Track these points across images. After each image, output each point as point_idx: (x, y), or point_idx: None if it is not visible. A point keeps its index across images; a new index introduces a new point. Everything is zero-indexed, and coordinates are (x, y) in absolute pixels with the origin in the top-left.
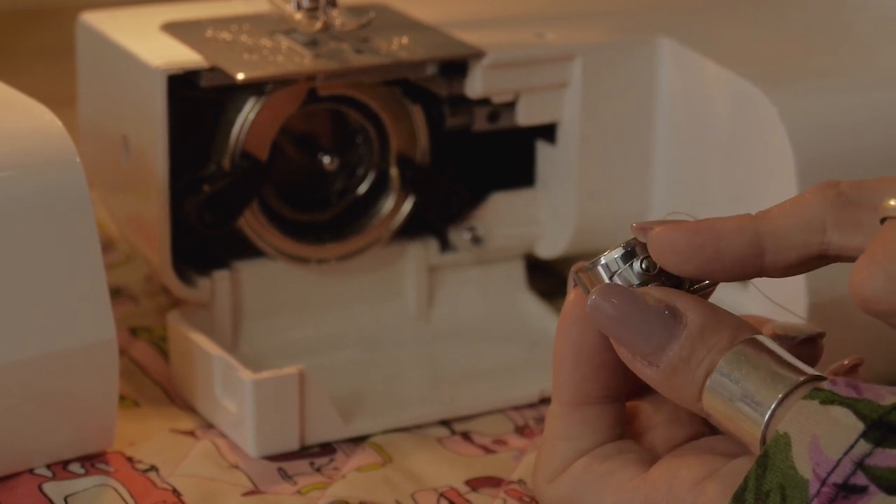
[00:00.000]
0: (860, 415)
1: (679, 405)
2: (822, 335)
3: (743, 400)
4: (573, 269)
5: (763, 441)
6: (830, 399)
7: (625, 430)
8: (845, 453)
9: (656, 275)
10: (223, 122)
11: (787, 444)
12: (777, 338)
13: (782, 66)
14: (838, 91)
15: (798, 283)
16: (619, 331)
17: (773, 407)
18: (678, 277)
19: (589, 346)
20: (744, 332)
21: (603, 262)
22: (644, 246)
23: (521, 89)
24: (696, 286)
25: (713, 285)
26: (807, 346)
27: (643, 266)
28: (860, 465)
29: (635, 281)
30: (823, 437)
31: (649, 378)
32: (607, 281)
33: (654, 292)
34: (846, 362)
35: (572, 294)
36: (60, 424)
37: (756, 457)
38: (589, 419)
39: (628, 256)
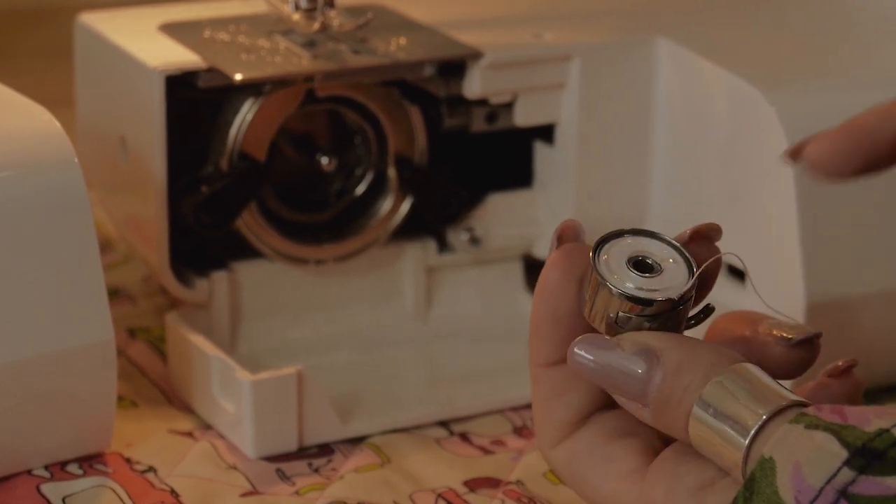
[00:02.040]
0: (844, 442)
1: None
2: (818, 336)
3: (726, 424)
4: (558, 230)
5: (745, 462)
6: (815, 424)
7: (625, 425)
8: (828, 482)
9: (657, 317)
10: (221, 123)
11: (773, 469)
12: (773, 338)
13: (780, 67)
14: (837, 91)
15: (796, 283)
16: (603, 379)
17: (754, 431)
18: (677, 319)
19: (565, 308)
20: (721, 363)
21: (621, 292)
22: (664, 303)
23: (519, 90)
24: (692, 317)
25: (710, 313)
26: (803, 347)
27: (662, 317)
28: (843, 493)
29: (645, 324)
30: (806, 463)
31: (645, 418)
32: (616, 305)
33: (630, 337)
34: (840, 364)
35: (551, 259)
36: (58, 425)
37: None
38: (569, 372)
39: (644, 305)
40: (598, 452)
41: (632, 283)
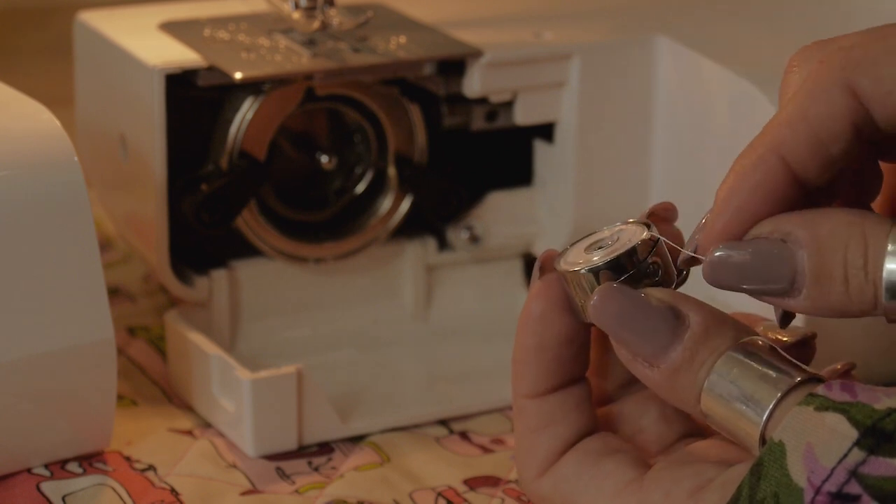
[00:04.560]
0: (854, 421)
1: (671, 406)
2: (813, 337)
3: (741, 400)
4: (538, 262)
5: (762, 441)
6: (825, 405)
7: (610, 444)
8: (839, 462)
9: (658, 281)
10: (221, 122)
11: (782, 452)
12: (769, 339)
13: (781, 65)
14: None
15: None
16: (622, 331)
17: (771, 407)
18: (668, 282)
19: (550, 339)
20: (744, 333)
21: (601, 264)
22: (651, 248)
23: (519, 88)
24: (679, 276)
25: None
26: (799, 348)
27: (647, 270)
28: (854, 473)
29: (633, 286)
30: (818, 445)
31: (649, 379)
32: (596, 284)
33: (657, 293)
34: (839, 366)
35: (536, 288)
36: (58, 424)
37: (750, 464)
38: (556, 403)
39: (628, 261)
40: (586, 473)
41: (596, 258)
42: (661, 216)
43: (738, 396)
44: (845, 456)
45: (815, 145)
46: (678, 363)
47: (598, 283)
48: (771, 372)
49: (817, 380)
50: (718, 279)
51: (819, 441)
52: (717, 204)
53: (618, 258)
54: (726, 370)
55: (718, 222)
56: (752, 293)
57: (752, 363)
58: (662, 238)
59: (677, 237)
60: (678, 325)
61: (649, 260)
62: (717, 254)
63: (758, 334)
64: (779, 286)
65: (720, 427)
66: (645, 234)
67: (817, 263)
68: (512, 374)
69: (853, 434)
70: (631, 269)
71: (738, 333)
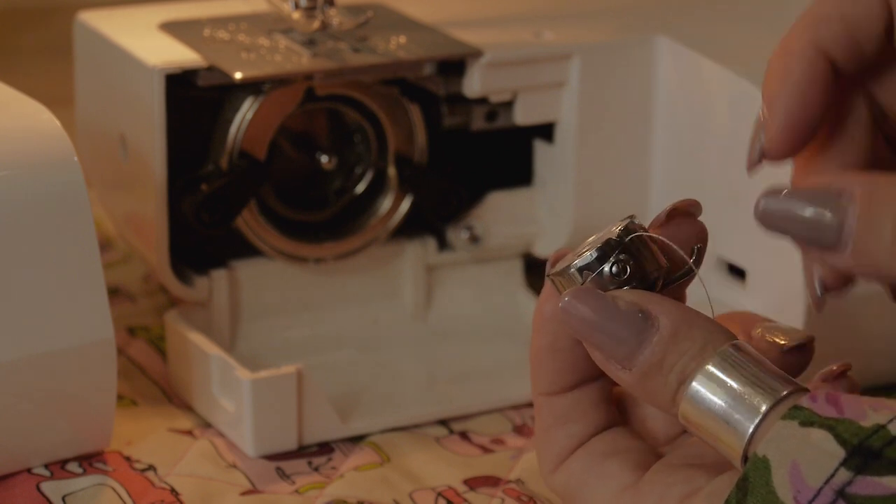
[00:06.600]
0: (840, 439)
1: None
2: (811, 340)
3: (722, 415)
4: (549, 262)
5: (745, 458)
6: (810, 420)
7: (625, 417)
8: (826, 482)
9: (628, 278)
10: (221, 122)
11: (767, 468)
12: (767, 343)
13: None
14: None
15: (796, 283)
16: (591, 335)
17: (756, 422)
18: (650, 279)
19: (564, 340)
20: (718, 336)
21: (577, 264)
22: (616, 246)
23: (519, 88)
24: (668, 281)
25: (687, 280)
26: (797, 352)
27: (613, 270)
28: (841, 493)
29: (608, 285)
30: (804, 463)
31: (623, 381)
32: (580, 284)
33: (626, 295)
34: (835, 368)
35: (546, 288)
36: (58, 424)
37: (735, 476)
38: (573, 402)
39: (601, 259)
40: (593, 472)
41: (576, 261)
42: (685, 211)
43: (719, 410)
44: (832, 476)
45: (851, 42)
46: (647, 367)
47: (582, 280)
48: (752, 386)
49: (802, 390)
50: (768, 222)
51: (805, 459)
52: (767, 105)
53: (600, 248)
54: (707, 380)
55: (773, 125)
56: (799, 240)
57: (735, 372)
58: (646, 232)
59: (703, 233)
60: (646, 328)
61: (621, 257)
62: (768, 197)
63: (736, 337)
64: (826, 235)
65: (701, 437)
66: (614, 233)
67: (867, 217)
68: (530, 372)
69: (840, 453)
70: (597, 267)
71: (712, 336)
